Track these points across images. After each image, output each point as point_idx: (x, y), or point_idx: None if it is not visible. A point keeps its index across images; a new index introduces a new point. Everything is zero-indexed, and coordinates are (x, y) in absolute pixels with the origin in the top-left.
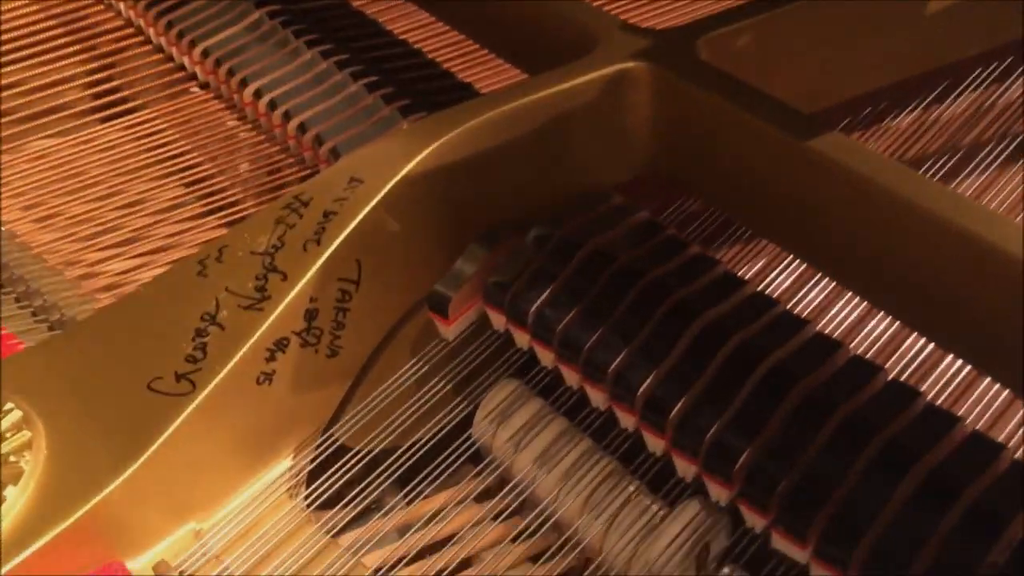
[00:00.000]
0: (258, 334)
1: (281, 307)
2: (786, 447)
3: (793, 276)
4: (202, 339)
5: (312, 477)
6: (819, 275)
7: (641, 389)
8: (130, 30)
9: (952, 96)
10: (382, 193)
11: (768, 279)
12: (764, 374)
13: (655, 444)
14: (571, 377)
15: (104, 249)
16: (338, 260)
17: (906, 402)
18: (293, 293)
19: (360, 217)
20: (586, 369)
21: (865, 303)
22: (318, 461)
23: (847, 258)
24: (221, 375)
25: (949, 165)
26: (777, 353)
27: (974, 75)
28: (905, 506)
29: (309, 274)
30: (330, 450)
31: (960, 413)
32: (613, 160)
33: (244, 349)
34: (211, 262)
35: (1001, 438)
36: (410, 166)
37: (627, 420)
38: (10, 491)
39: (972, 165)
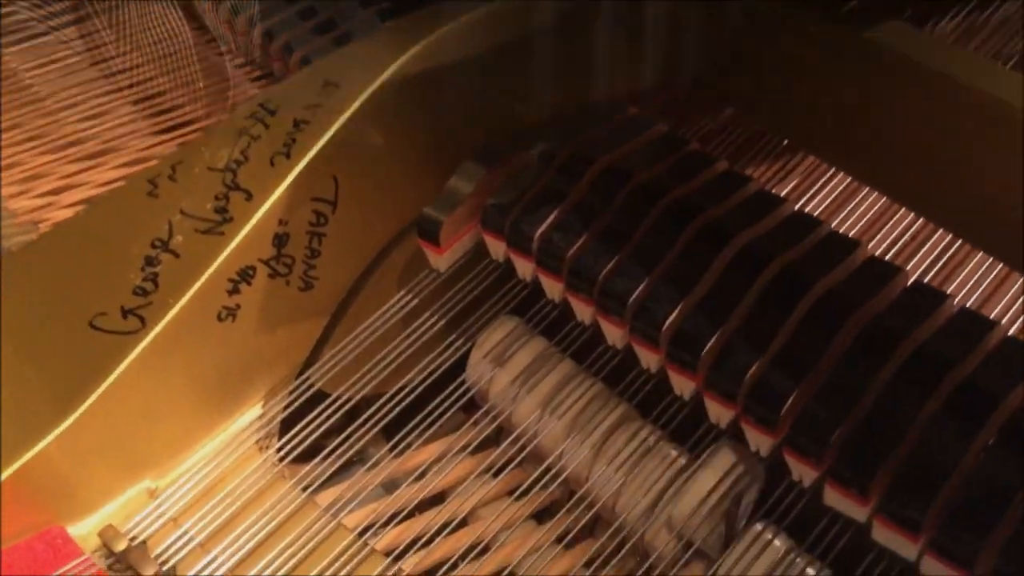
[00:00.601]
0: (218, 262)
1: (245, 231)
2: (842, 387)
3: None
4: (153, 269)
5: (285, 427)
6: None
7: (667, 323)
8: None
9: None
10: (362, 99)
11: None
12: (812, 304)
13: (683, 386)
14: (583, 311)
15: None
16: (311, 176)
17: (980, 335)
18: (259, 215)
19: (336, 127)
20: (602, 301)
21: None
22: (292, 409)
23: (909, 165)
24: (175, 310)
25: None
26: (826, 280)
27: None
28: (986, 456)
29: (277, 192)
30: (305, 396)
31: None
32: (632, 66)
33: (202, 280)
34: (163, 180)
35: None
36: (394, 68)
37: (650, 359)
38: None
39: None
